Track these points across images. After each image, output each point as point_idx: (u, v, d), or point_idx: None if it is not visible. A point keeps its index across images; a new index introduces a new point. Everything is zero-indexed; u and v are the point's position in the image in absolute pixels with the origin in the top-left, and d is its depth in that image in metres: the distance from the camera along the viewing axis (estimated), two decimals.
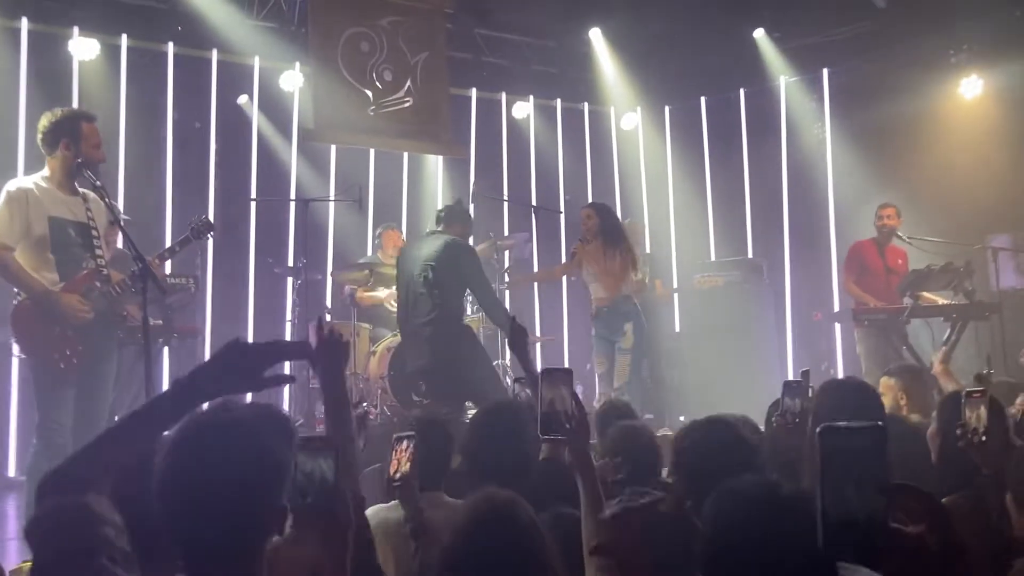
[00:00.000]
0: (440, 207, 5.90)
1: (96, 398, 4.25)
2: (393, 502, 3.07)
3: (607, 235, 6.20)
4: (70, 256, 4.17)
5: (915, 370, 4.39)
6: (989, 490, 2.29)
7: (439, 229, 5.68)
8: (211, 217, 7.36)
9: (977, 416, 2.36)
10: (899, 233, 6.84)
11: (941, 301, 6.47)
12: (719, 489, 1.63)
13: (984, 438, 2.33)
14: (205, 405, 1.73)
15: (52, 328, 4.07)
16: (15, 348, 4.17)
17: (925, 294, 6.46)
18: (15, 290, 4.16)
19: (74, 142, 4.17)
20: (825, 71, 8.70)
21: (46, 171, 4.24)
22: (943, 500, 2.37)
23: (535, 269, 8.26)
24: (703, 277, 8.26)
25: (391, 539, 2.63)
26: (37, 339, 4.09)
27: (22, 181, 4.21)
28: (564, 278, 8.69)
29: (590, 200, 9.70)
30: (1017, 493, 2.11)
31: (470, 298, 6.42)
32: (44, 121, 4.22)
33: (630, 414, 3.76)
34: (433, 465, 3.08)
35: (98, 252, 4.27)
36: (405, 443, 2.52)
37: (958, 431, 2.38)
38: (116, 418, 4.46)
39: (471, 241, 6.00)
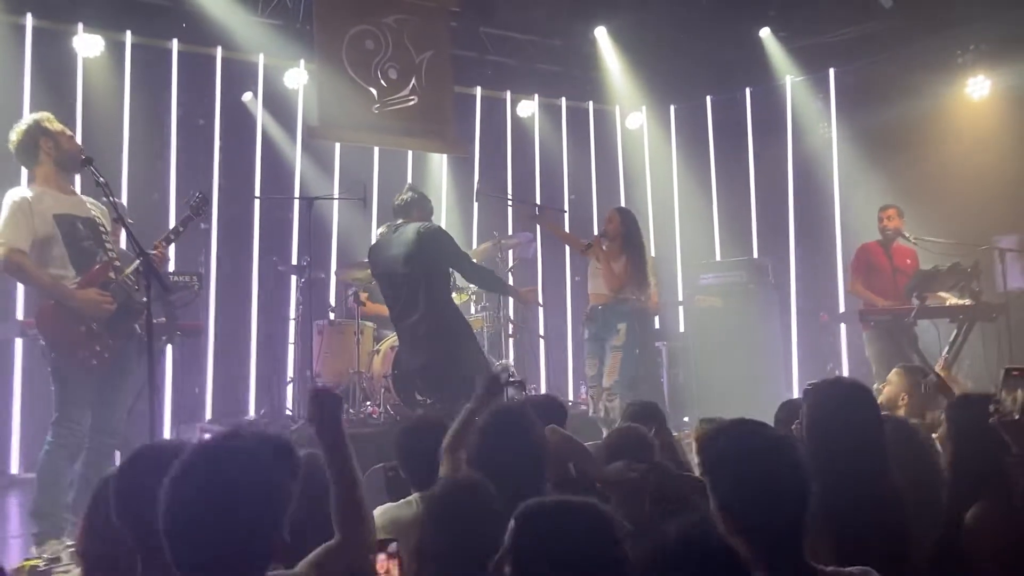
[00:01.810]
0: (397, 199, 5.70)
1: (117, 397, 4.31)
2: (403, 500, 3.06)
3: (626, 241, 6.29)
4: (82, 250, 4.21)
5: (927, 376, 4.40)
6: (1018, 471, 2.27)
7: (400, 222, 5.58)
8: (215, 214, 7.45)
9: (1014, 397, 2.34)
10: (905, 234, 6.81)
11: (949, 301, 6.44)
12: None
13: (1018, 416, 2.31)
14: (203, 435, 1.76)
15: (79, 326, 4.10)
16: (46, 349, 4.16)
17: (939, 293, 6.43)
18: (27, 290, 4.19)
19: (51, 136, 4.22)
20: (831, 71, 8.67)
21: (36, 181, 4.28)
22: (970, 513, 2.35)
23: (539, 270, 8.27)
24: (703, 297, 8.22)
25: (401, 537, 2.62)
26: (67, 338, 4.11)
27: (20, 190, 4.24)
28: (568, 279, 8.68)
29: (594, 200, 9.73)
30: None
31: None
32: (13, 136, 4.25)
33: (658, 416, 3.72)
34: (431, 464, 3.08)
35: (108, 246, 4.32)
36: (389, 552, 2.37)
37: (991, 407, 2.36)
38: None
39: (476, 238, 6.00)
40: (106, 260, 4.25)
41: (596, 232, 6.68)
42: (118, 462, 4.21)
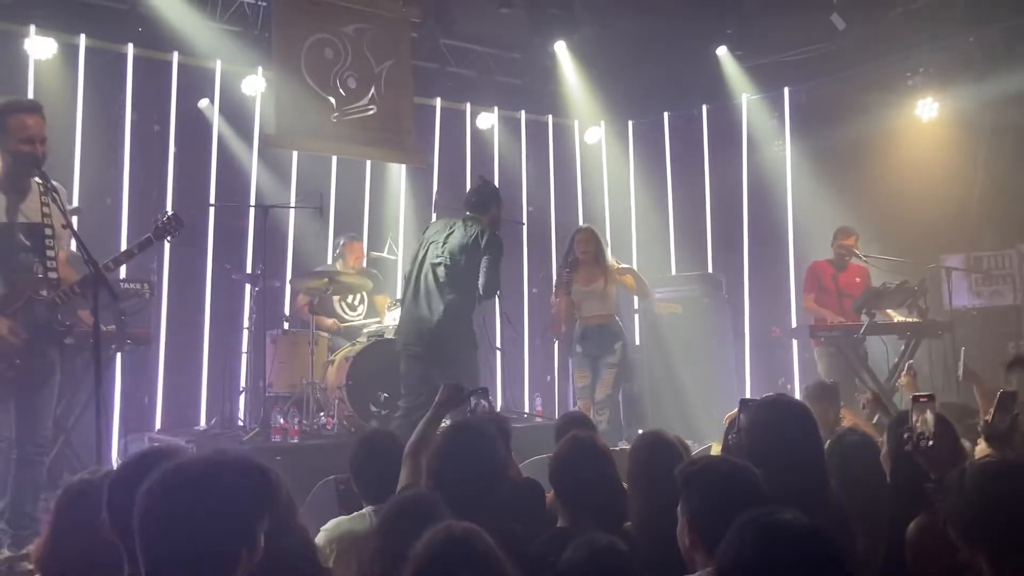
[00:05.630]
0: (473, 187, 5.71)
1: (37, 408, 4.08)
2: (355, 513, 3.04)
3: (600, 257, 6.49)
4: (18, 263, 3.99)
5: (823, 389, 4.53)
6: (937, 497, 2.30)
7: (473, 215, 5.46)
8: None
9: (923, 421, 2.37)
10: (856, 251, 6.95)
11: (897, 318, 6.58)
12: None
13: (931, 443, 2.33)
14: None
15: None
16: None
17: (887, 311, 6.57)
18: None
19: (20, 119, 3.94)
20: (786, 90, 8.81)
21: None
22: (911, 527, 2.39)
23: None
24: (664, 303, 8.28)
25: (355, 549, 2.61)
26: None
27: None
28: (525, 291, 8.69)
29: (552, 213, 9.76)
30: (952, 523, 2.09)
31: None
32: None
33: (589, 425, 3.80)
34: (383, 478, 3.06)
35: (49, 254, 4.05)
36: None
37: (904, 435, 2.39)
38: (60, 427, 4.36)
39: None
40: (39, 277, 4.00)
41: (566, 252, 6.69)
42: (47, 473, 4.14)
